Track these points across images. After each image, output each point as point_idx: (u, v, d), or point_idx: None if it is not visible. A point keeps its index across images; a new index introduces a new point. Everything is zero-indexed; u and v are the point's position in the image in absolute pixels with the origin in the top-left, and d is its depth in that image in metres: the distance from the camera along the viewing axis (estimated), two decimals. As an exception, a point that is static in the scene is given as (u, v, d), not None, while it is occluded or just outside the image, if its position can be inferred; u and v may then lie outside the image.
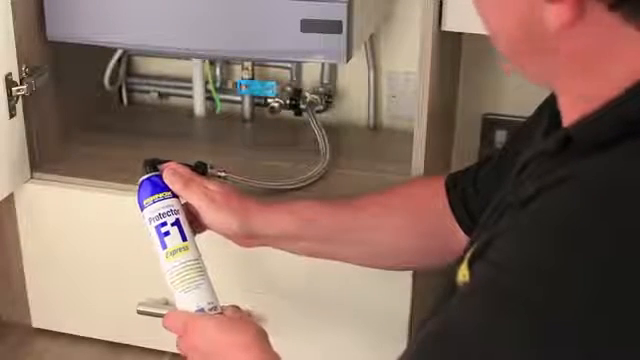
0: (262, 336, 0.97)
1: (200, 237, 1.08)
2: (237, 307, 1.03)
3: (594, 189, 0.66)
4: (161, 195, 1.06)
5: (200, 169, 1.15)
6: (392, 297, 1.22)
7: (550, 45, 0.71)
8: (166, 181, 1.07)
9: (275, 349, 0.95)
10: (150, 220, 1.05)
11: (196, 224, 1.08)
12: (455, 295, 0.74)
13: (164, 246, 1.04)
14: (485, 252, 0.73)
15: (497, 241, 0.71)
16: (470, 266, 0.79)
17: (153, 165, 1.10)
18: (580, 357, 0.62)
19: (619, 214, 0.64)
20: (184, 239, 1.04)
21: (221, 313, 1.01)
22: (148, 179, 1.08)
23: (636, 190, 0.65)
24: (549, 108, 0.82)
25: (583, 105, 0.73)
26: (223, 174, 1.22)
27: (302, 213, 1.11)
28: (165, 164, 1.10)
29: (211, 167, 1.18)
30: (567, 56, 0.71)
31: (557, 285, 0.63)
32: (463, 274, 0.80)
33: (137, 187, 1.08)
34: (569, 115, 0.76)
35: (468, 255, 0.80)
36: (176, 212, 1.06)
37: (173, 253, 1.03)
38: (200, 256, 1.05)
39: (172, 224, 1.04)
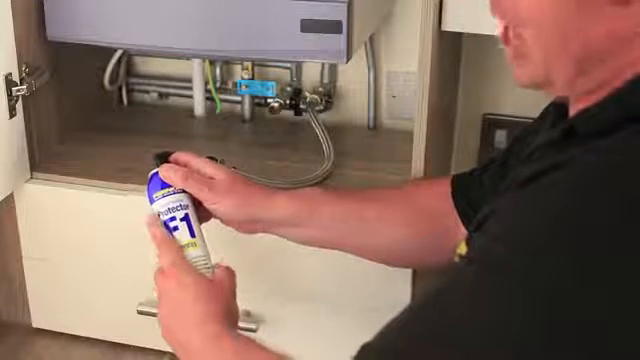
0: (232, 320, 0.98)
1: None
2: (231, 271, 1.03)
3: (589, 173, 0.68)
4: (171, 189, 1.06)
5: None
6: (392, 296, 1.22)
7: (627, 58, 0.72)
8: (164, 179, 1.07)
9: (275, 347, 0.95)
10: (159, 214, 1.06)
11: (203, 211, 1.09)
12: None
13: None
14: (483, 225, 0.75)
15: (495, 216, 0.74)
16: (468, 242, 0.80)
17: (164, 158, 1.10)
18: (561, 322, 0.64)
19: (613, 196, 0.66)
20: (192, 235, 1.04)
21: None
22: (158, 173, 1.08)
23: (633, 172, 0.66)
24: (554, 106, 0.84)
25: (586, 97, 0.75)
26: (233, 170, 1.22)
27: (305, 199, 1.12)
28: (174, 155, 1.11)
29: (221, 162, 1.18)
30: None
31: (542, 257, 0.65)
32: (460, 249, 0.82)
33: (147, 180, 1.08)
34: (575, 107, 0.77)
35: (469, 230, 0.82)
36: (185, 207, 1.06)
37: (181, 249, 1.03)
38: (208, 253, 1.05)
39: (181, 219, 1.05)
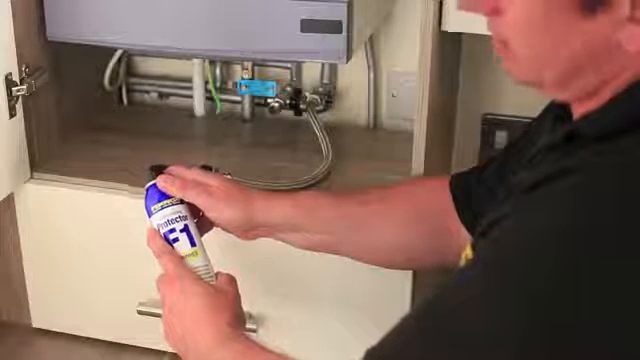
0: (238, 325, 0.98)
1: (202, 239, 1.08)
2: (233, 278, 1.03)
3: (598, 176, 0.68)
4: (169, 201, 1.06)
5: None
6: (392, 297, 1.22)
7: (615, 64, 0.73)
8: (162, 188, 1.07)
9: (279, 350, 0.95)
10: (158, 226, 1.05)
11: (203, 222, 1.09)
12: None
13: None
14: (488, 232, 0.75)
15: (500, 223, 0.74)
16: (474, 247, 0.81)
17: (159, 170, 1.10)
18: (560, 325, 0.64)
19: (621, 206, 0.66)
20: (193, 245, 1.04)
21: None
22: (155, 185, 1.08)
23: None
24: (554, 106, 0.85)
25: (588, 101, 0.75)
26: (228, 177, 1.22)
27: (304, 203, 1.12)
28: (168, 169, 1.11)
29: (216, 170, 1.18)
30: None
31: (545, 261, 0.66)
32: (466, 254, 0.82)
33: (144, 193, 1.08)
34: (577, 109, 0.78)
35: (474, 236, 0.82)
36: (184, 218, 1.06)
37: (182, 259, 1.03)
38: (209, 261, 1.05)
39: (181, 230, 1.05)
